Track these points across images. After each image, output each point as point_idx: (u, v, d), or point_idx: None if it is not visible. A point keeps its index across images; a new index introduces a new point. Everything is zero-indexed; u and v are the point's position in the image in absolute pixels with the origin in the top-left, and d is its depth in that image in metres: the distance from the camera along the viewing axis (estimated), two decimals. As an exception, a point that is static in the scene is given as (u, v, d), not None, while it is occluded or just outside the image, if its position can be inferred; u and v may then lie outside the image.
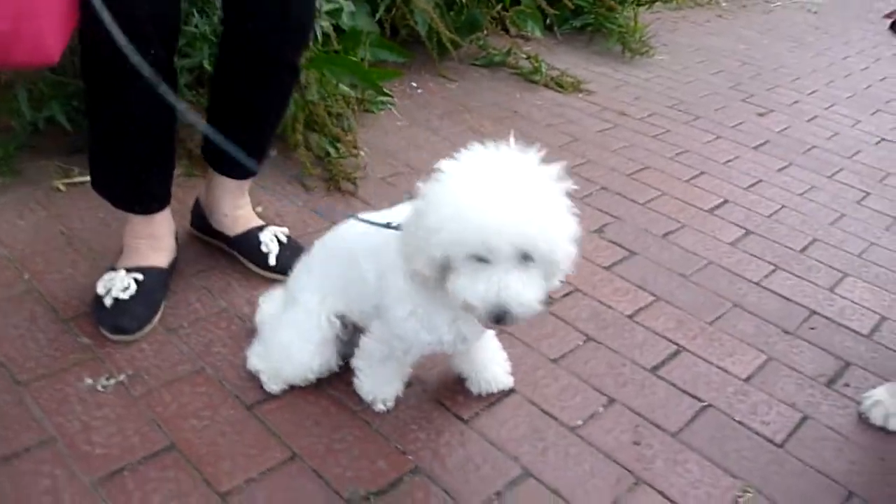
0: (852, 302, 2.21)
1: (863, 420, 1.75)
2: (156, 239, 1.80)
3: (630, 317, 1.99)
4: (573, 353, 1.83)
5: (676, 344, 1.91)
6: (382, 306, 1.42)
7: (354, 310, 1.53)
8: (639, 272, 2.20)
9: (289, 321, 1.56)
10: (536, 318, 1.29)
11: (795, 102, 3.84)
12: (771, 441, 1.65)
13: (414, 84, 3.41)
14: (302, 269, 1.61)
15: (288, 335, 1.54)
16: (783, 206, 2.71)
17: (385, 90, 3.06)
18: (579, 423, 1.62)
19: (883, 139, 3.52)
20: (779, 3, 6.22)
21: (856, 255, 2.45)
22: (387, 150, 2.75)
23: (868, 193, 2.91)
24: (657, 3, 5.01)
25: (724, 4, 5.87)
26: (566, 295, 2.04)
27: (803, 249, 2.45)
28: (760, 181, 2.90)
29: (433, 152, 2.71)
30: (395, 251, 1.32)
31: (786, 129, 3.47)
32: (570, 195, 1.22)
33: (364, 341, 1.51)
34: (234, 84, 1.80)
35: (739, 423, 1.69)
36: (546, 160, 1.22)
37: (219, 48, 1.83)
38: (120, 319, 1.66)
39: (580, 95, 3.55)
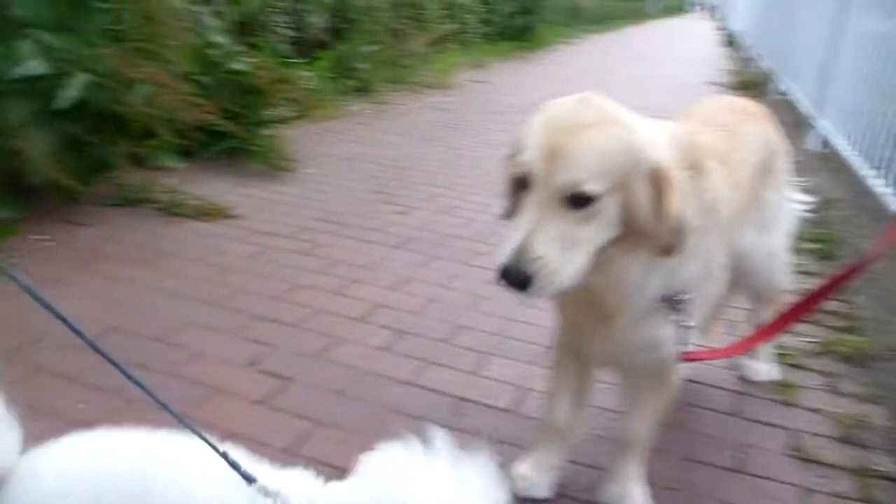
0: (496, 381, 2.39)
1: (514, 495, 1.87)
2: None
3: (287, 450, 1.95)
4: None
5: (338, 468, 1.90)
6: None
7: None
8: (296, 400, 2.18)
9: None
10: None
11: (433, 197, 4.17)
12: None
13: (40, 236, 3.13)
14: None
15: None
16: (429, 301, 2.89)
17: None
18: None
19: (509, 219, 3.94)
20: (413, 105, 6.82)
21: (496, 335, 2.67)
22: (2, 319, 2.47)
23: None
24: (298, 119, 5.21)
25: (364, 112, 6.28)
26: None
27: (449, 339, 2.62)
28: (407, 279, 3.07)
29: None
30: None
31: (425, 223, 3.74)
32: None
33: None
34: None
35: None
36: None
37: None
38: None
39: (227, 222, 3.52)
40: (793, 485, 2.07)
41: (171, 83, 3.46)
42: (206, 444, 1.15)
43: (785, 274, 2.49)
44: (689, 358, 1.67)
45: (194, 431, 1.16)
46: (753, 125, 2.16)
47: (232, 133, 4.33)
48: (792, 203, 2.53)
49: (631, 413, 1.88)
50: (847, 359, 2.75)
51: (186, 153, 4.22)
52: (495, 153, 5.31)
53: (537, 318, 2.84)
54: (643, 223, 1.46)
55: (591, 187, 1.39)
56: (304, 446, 1.98)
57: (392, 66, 7.45)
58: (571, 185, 1.39)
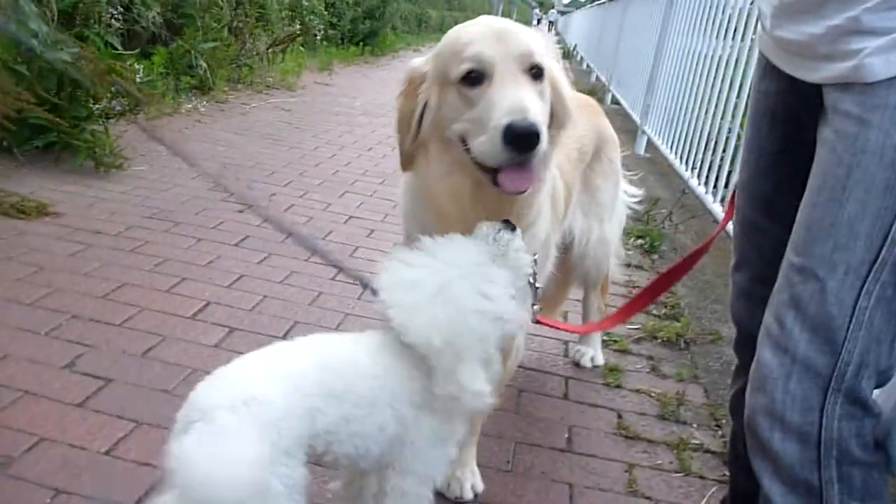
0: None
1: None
2: None
3: (107, 453, 1.83)
4: (38, 516, 1.61)
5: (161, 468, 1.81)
6: (404, 456, 1.34)
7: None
8: (117, 401, 2.05)
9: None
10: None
11: (272, 195, 4.07)
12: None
13: None
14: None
15: None
16: (265, 297, 2.82)
17: None
18: None
19: (351, 217, 3.92)
20: (254, 105, 6.65)
21: (332, 329, 2.64)
22: None
23: (340, 268, 3.18)
24: (133, 113, 4.93)
25: (202, 109, 6.05)
26: (28, 450, 1.80)
27: (286, 335, 2.56)
28: (242, 276, 2.97)
29: None
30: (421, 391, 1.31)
31: (265, 221, 3.64)
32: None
33: None
34: None
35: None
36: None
37: None
38: None
39: (47, 219, 3.27)
40: (618, 461, 2.17)
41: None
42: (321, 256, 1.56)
43: (613, 261, 2.63)
44: (541, 321, 1.72)
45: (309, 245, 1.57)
46: (583, 114, 2.26)
47: (54, 127, 4.04)
48: (624, 195, 2.68)
49: None
50: (668, 343, 2.94)
51: (1, 147, 3.90)
52: (340, 153, 5.31)
53: (374, 311, 2.83)
54: (562, 106, 1.52)
55: (541, 59, 1.44)
56: (124, 448, 1.86)
57: (233, 65, 7.23)
58: (531, 54, 1.42)
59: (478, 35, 1.44)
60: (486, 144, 1.37)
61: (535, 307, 1.65)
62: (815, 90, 1.23)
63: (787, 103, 1.38)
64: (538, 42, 1.48)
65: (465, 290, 1.30)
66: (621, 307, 1.97)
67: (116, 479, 1.75)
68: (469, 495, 1.90)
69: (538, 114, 1.37)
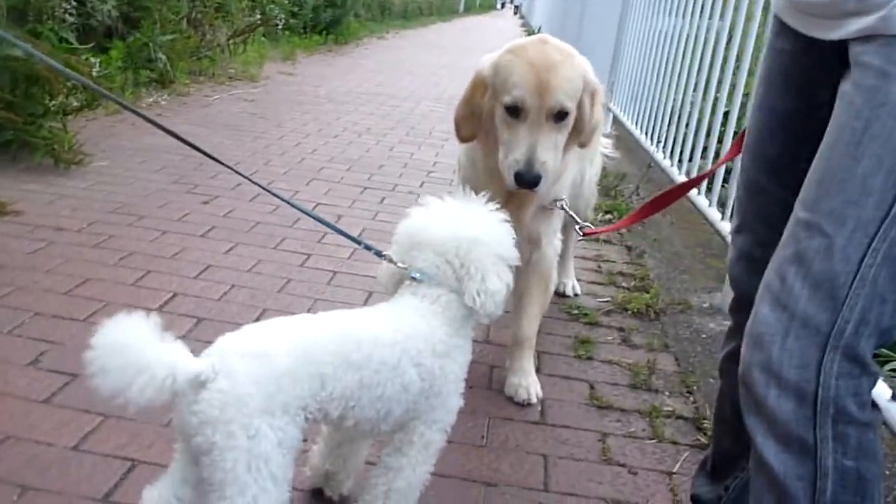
0: (305, 360, 2.34)
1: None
2: None
3: (75, 448, 1.81)
4: (6, 513, 1.58)
5: (131, 459, 1.79)
6: (431, 407, 1.49)
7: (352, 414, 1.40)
8: (83, 395, 2.01)
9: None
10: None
11: (237, 185, 4.02)
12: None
13: None
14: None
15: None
16: (232, 286, 2.79)
17: None
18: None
19: (319, 203, 3.90)
20: (217, 97, 6.56)
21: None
22: None
23: (309, 255, 3.17)
24: (91, 109, 4.84)
25: (163, 103, 5.96)
26: (-7, 447, 1.77)
27: (255, 321, 2.53)
28: (209, 267, 2.94)
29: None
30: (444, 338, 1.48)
31: (230, 211, 3.61)
32: None
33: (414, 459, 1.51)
34: None
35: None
36: None
37: None
38: None
39: (6, 218, 3.21)
40: (591, 430, 2.19)
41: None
42: (335, 231, 1.68)
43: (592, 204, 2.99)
44: (588, 233, 2.16)
45: (318, 218, 1.73)
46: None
47: (10, 125, 3.96)
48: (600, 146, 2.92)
49: (520, 316, 2.33)
50: (638, 314, 2.96)
51: (-45, 148, 3.81)
52: (305, 142, 5.26)
53: (344, 295, 2.83)
54: (582, 126, 2.06)
55: (568, 105, 1.98)
56: (90, 441, 1.84)
57: (193, 58, 7.12)
58: (560, 105, 1.96)
59: (524, 80, 1.94)
60: (505, 172, 1.99)
61: (579, 227, 2.16)
62: (835, 49, 1.21)
63: (803, 63, 1.35)
64: (573, 79, 1.99)
65: (493, 215, 1.54)
66: (645, 203, 2.04)
67: (85, 474, 1.73)
68: (534, 399, 2.28)
69: (545, 160, 1.95)
